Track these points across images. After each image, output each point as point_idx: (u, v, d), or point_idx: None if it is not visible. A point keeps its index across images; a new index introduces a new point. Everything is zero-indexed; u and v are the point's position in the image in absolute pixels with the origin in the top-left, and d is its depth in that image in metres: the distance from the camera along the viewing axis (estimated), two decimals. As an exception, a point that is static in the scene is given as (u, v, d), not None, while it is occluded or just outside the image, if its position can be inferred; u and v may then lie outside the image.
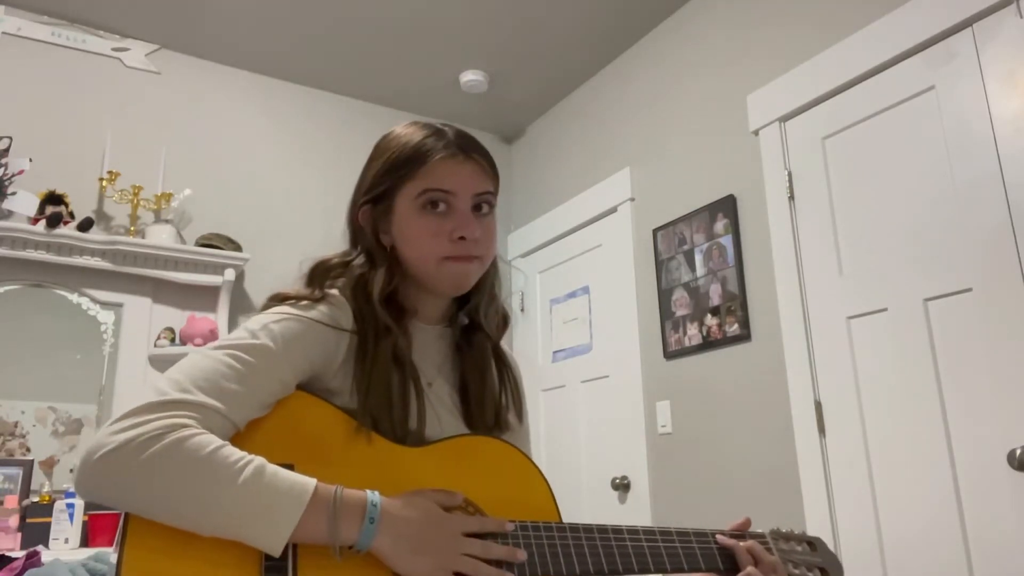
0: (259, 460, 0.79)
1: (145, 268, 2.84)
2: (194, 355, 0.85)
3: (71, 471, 2.58)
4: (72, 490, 2.35)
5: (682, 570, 0.96)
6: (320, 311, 0.93)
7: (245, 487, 0.76)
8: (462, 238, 0.98)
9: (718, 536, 1.02)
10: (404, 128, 1.05)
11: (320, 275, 0.99)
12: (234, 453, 0.78)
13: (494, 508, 0.93)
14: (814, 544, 1.11)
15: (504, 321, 1.12)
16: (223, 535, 0.77)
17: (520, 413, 1.11)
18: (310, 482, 0.80)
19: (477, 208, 1.01)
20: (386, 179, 1.00)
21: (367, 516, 0.80)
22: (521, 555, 0.87)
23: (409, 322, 1.02)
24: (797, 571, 1.04)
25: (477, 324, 1.09)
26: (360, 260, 1.01)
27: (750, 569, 0.98)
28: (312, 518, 0.78)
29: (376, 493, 0.83)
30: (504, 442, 1.00)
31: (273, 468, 0.79)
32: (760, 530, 1.08)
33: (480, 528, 0.87)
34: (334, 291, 0.98)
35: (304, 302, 0.94)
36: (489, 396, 1.06)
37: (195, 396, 0.80)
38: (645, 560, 0.94)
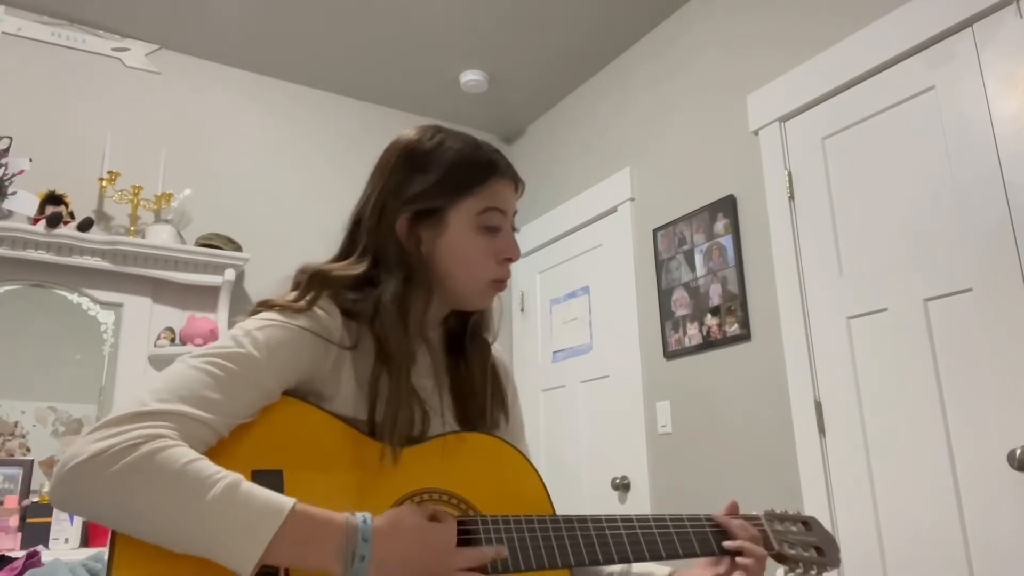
0: (234, 476, 0.75)
1: (145, 268, 2.84)
2: (176, 364, 0.84)
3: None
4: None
5: (677, 555, 0.96)
6: (308, 318, 0.91)
7: (214, 503, 0.72)
8: (508, 259, 1.01)
9: (712, 515, 1.02)
10: (438, 135, 1.02)
11: (318, 285, 0.94)
12: (208, 467, 0.75)
13: (487, 503, 0.93)
14: (809, 523, 1.11)
15: (494, 336, 1.13)
16: (193, 552, 0.73)
17: (513, 423, 1.11)
18: (287, 502, 0.75)
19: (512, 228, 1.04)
20: (441, 194, 0.98)
21: (357, 555, 0.76)
22: (503, 551, 0.86)
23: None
24: (793, 551, 1.03)
25: (474, 333, 1.08)
26: (387, 276, 0.96)
27: (745, 544, 0.98)
28: (288, 541, 0.74)
29: (367, 519, 0.78)
30: (495, 437, 1.00)
31: (249, 485, 0.75)
32: (754, 512, 1.08)
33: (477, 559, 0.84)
34: (322, 299, 0.94)
35: (290, 310, 0.91)
36: (483, 403, 1.06)
37: (174, 406, 0.78)
38: (640, 547, 0.94)
